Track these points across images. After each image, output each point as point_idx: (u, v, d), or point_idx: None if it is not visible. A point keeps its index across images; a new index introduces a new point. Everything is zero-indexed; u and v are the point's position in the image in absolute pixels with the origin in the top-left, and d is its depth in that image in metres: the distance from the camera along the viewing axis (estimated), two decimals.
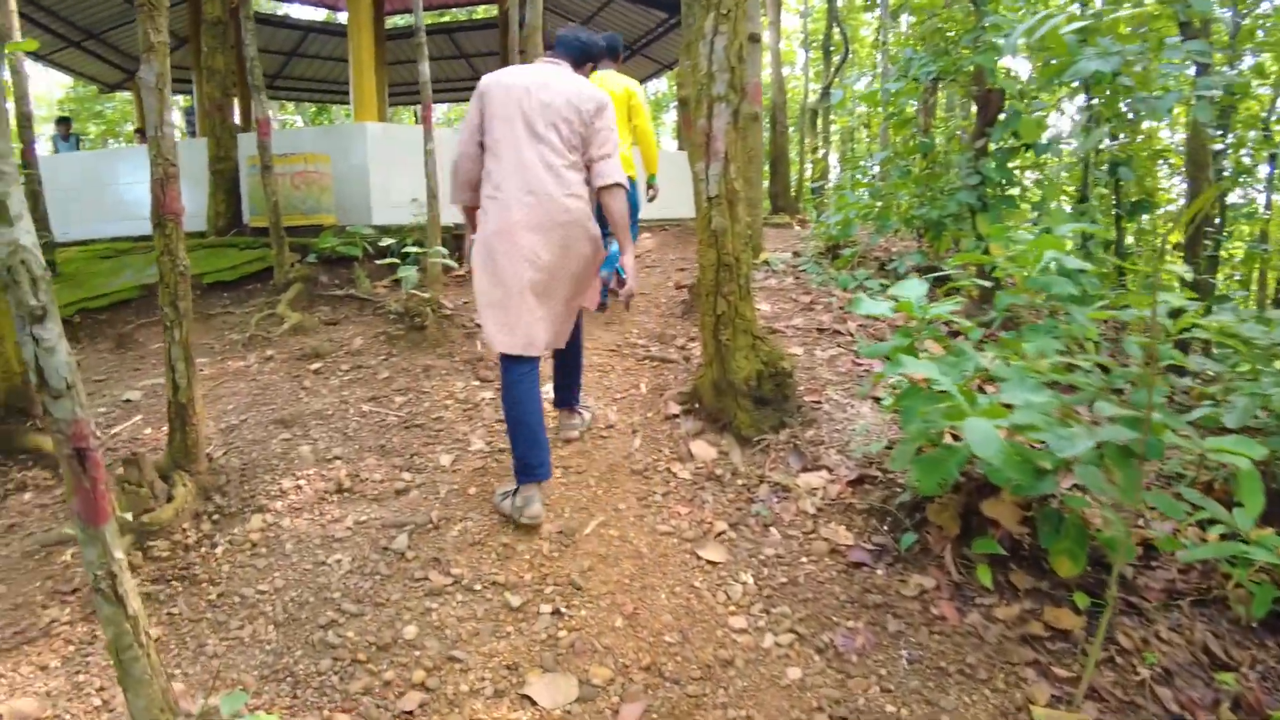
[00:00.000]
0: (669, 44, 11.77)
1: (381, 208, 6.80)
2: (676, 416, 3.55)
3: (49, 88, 21.73)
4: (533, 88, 2.71)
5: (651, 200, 5.12)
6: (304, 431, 3.46)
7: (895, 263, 5.43)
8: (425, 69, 4.49)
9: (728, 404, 3.42)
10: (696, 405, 3.61)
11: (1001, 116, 5.00)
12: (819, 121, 15.12)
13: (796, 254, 6.15)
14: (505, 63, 12.56)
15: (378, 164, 6.71)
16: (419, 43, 4.53)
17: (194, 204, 6.47)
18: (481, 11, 20.40)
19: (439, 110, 31.73)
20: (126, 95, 16.18)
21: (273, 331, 4.73)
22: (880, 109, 7.14)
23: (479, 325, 4.65)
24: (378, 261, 5.41)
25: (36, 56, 11.17)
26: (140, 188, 7.76)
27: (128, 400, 4.07)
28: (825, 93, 14.30)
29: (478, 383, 4.02)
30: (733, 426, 3.40)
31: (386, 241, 5.78)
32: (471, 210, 2.96)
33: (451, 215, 5.35)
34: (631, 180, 4.60)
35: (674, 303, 5.20)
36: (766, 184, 12.53)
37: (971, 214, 4.98)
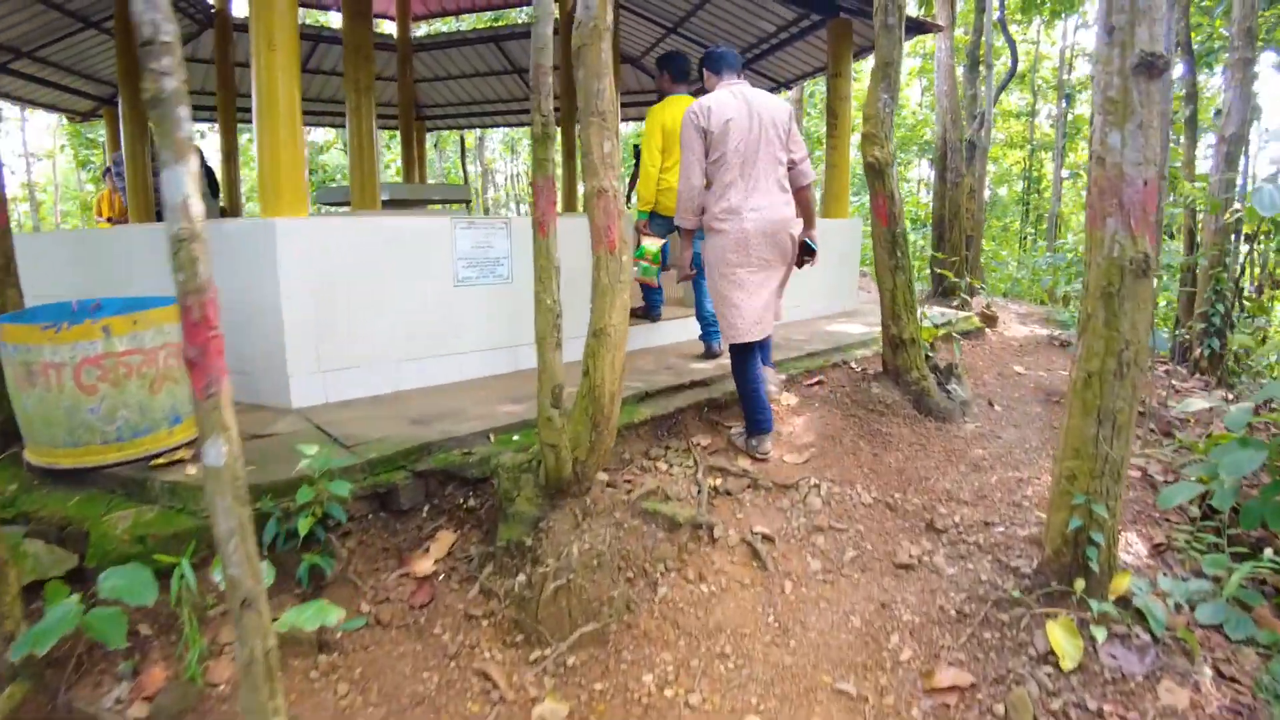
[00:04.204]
0: (793, 56, 8.42)
1: (311, 377, 3.72)
2: None
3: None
4: (749, 112, 3.20)
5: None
6: None
7: None
8: None
9: None
10: None
11: None
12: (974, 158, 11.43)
13: (1160, 547, 2.77)
14: (568, 76, 9.41)
15: (304, 291, 3.63)
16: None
17: None
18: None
19: (497, 136, 27.68)
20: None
21: None
22: None
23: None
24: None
25: None
26: None
27: None
28: (982, 120, 10.74)
29: None
30: None
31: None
32: (689, 232, 3.46)
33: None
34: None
35: None
36: (925, 249, 9.26)
37: None
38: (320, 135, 23.47)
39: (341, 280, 3.73)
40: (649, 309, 5.13)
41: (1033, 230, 20.10)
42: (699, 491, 3.14)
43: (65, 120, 16.82)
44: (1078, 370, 2.26)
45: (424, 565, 2.85)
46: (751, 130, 3.18)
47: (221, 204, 9.82)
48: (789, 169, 3.35)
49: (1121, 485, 2.34)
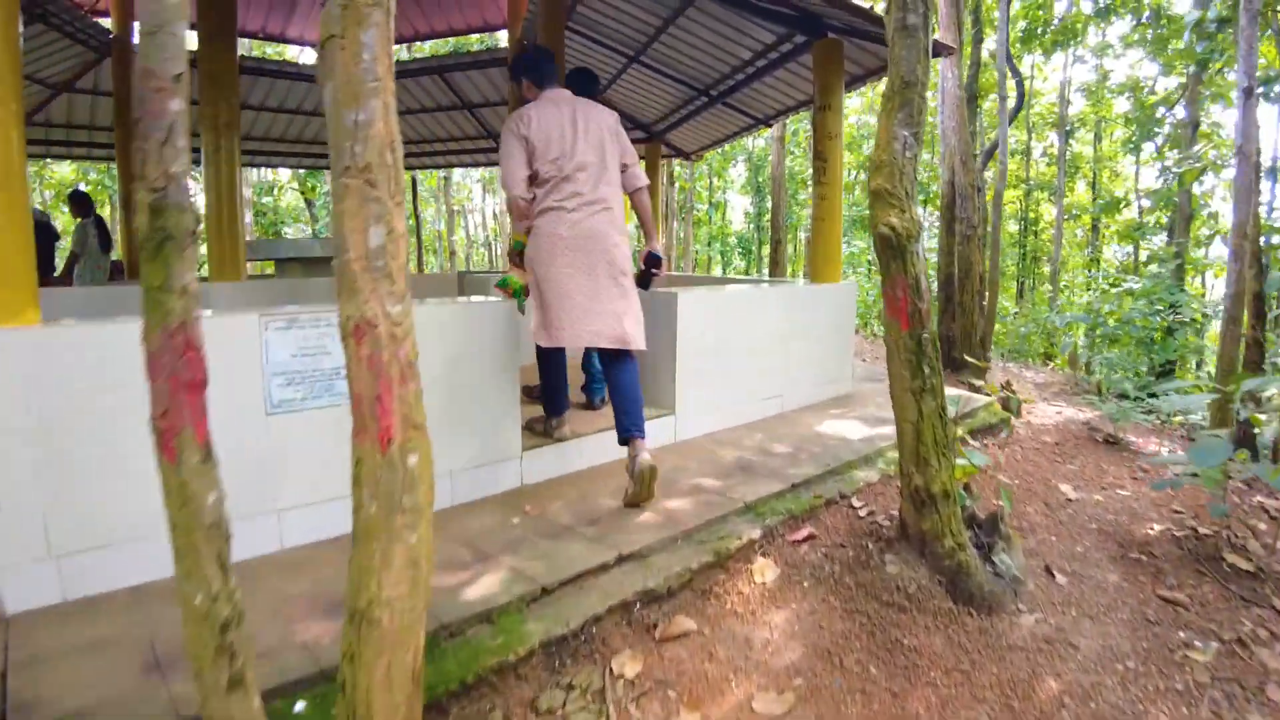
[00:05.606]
0: (773, 88, 7.27)
1: (36, 568, 2.42)
2: None
3: None
4: (571, 119, 3.19)
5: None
6: None
7: None
8: None
9: None
10: None
11: None
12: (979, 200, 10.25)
13: None
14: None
15: (18, 441, 2.34)
16: None
17: None
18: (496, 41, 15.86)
19: (475, 173, 25.08)
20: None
21: None
22: None
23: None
24: None
25: None
26: None
27: None
28: (987, 158, 9.61)
29: None
30: None
31: None
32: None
33: None
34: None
35: None
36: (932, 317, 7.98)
37: None
38: (278, 174, 22.25)
39: (89, 416, 2.43)
40: (588, 396, 3.83)
41: (1044, 284, 19.00)
42: None
43: None
44: None
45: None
46: (574, 138, 3.17)
47: (116, 256, 8.55)
48: (621, 172, 3.34)
49: None
